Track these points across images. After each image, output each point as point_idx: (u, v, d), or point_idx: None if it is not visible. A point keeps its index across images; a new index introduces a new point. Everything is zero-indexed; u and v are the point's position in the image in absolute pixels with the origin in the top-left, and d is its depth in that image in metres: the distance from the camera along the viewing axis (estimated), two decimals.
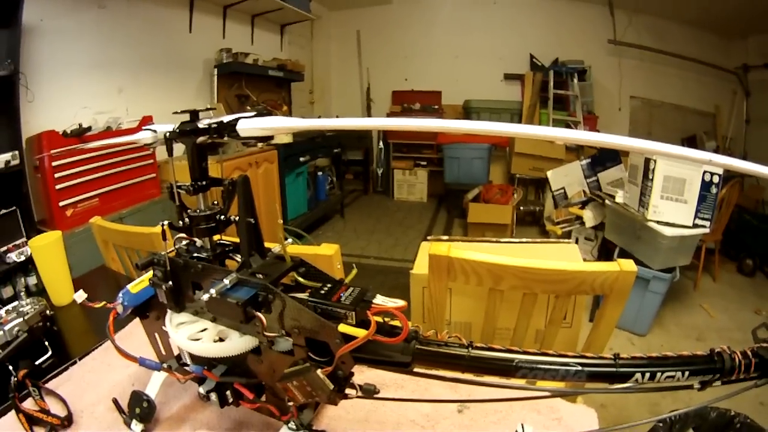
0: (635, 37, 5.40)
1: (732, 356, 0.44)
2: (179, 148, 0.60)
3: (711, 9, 4.69)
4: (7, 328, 0.87)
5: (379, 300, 0.52)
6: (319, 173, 4.94)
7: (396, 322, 0.52)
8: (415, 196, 6.21)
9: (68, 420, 0.73)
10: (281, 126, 0.48)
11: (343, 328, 0.49)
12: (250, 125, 0.49)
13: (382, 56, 6.48)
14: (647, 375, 0.45)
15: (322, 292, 0.55)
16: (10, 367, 0.82)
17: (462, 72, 6.15)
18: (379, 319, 0.51)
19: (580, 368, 0.47)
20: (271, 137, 0.50)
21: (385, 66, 6.49)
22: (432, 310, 1.06)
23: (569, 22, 5.63)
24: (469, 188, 5.02)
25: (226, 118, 0.51)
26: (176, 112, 0.62)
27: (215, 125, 0.53)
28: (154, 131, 0.60)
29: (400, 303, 0.52)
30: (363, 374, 0.58)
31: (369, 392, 0.56)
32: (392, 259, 4.17)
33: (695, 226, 2.60)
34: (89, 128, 2.64)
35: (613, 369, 0.47)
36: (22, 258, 2.18)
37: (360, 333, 0.48)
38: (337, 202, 5.41)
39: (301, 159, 4.31)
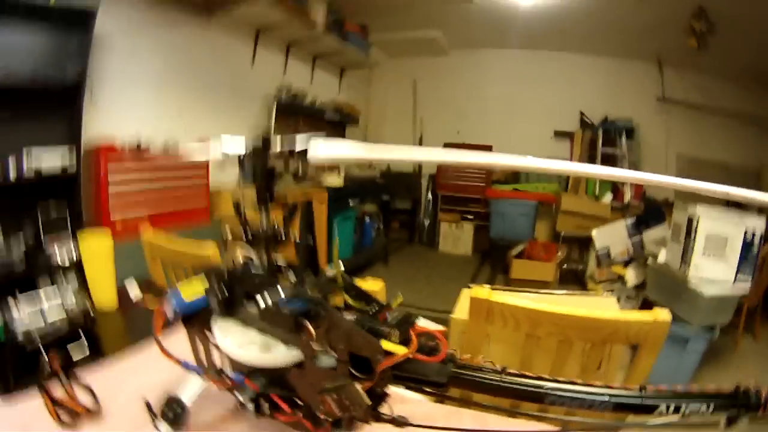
0: (682, 93, 5.34)
1: (758, 393, 0.45)
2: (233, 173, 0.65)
3: (758, 62, 4.59)
4: (50, 320, 0.90)
5: (422, 323, 0.56)
6: (367, 219, 4.98)
7: (435, 344, 0.54)
8: (459, 249, 6.14)
9: (94, 411, 0.73)
10: (351, 154, 0.52)
11: (386, 344, 0.52)
12: (322, 150, 0.53)
13: (436, 107, 6.53)
14: (672, 407, 0.47)
15: (370, 312, 0.58)
16: (46, 357, 0.84)
17: (512, 128, 6.13)
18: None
19: (607, 398, 0.49)
20: (336, 166, 0.54)
21: (439, 117, 6.54)
22: (468, 353, 1.07)
23: (618, 79, 5.61)
24: (513, 244, 5.00)
25: (300, 142, 0.56)
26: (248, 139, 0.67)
27: (288, 148, 0.58)
28: (227, 151, 0.65)
29: (441, 327, 0.55)
30: (393, 407, 0.59)
31: (399, 422, 0.57)
32: (431, 310, 4.10)
33: (736, 284, 2.57)
34: (148, 146, 2.73)
35: (639, 400, 0.48)
36: (69, 259, 2.21)
37: (402, 350, 0.51)
38: (382, 249, 5.41)
39: (351, 203, 4.35)
